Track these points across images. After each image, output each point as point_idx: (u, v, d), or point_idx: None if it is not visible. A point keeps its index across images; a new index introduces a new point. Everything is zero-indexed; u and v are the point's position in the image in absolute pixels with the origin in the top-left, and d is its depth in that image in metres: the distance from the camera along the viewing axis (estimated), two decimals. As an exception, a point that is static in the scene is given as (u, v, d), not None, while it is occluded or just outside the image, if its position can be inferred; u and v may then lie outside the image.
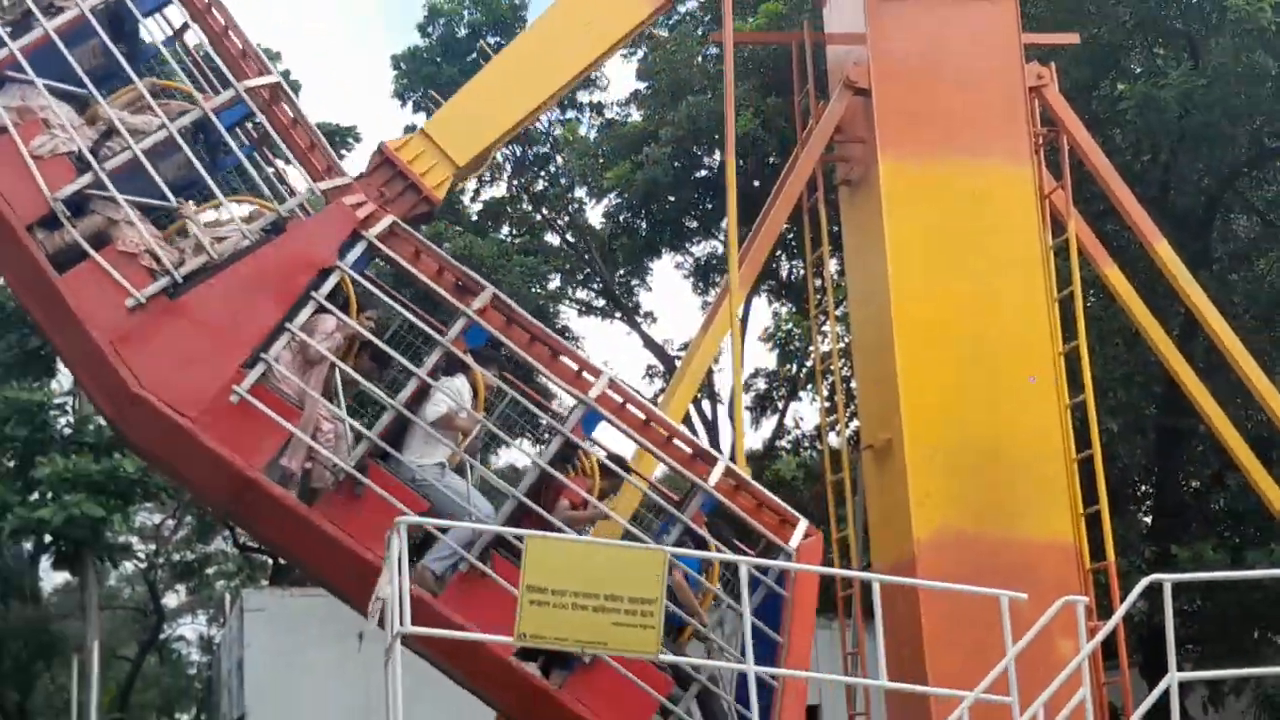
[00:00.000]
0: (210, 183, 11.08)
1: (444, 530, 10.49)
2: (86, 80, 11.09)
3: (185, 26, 12.08)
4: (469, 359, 11.15)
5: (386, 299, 11.37)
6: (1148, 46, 25.64)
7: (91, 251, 10.46)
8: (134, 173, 10.83)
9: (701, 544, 11.17)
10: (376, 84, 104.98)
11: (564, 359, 11.49)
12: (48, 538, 29.58)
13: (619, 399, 11.50)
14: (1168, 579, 9.87)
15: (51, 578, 45.40)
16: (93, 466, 27.63)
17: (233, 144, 11.49)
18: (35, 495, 27.52)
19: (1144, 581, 10.17)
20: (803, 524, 11.47)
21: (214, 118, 11.23)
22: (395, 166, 12.28)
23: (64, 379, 32.11)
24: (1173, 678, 9.61)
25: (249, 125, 12.21)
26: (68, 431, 28.96)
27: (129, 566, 49.90)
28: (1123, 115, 23.91)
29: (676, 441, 11.75)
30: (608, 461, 11.61)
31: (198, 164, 10.92)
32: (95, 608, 31.34)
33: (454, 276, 11.58)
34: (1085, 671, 10.42)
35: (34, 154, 10.60)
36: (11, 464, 28.73)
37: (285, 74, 30.21)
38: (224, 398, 10.28)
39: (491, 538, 10.53)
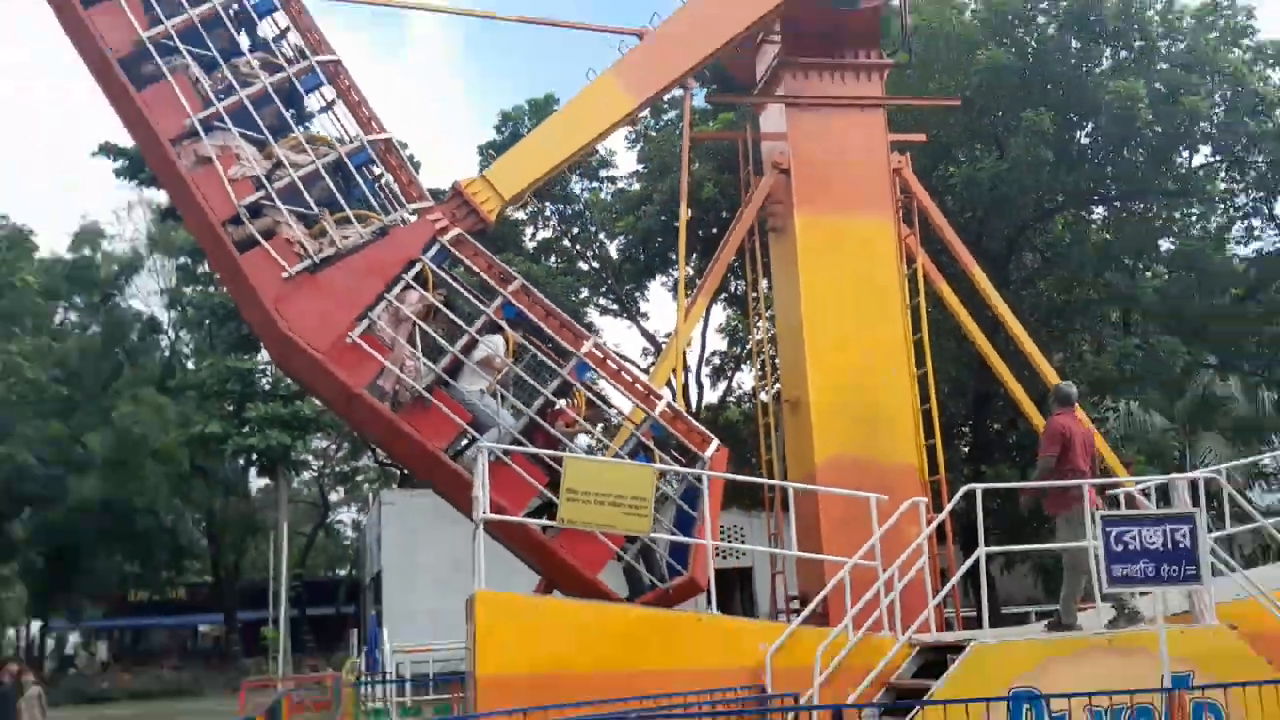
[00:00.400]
0: (342, 201, 11.49)
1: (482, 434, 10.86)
2: (265, 131, 11.56)
3: (333, 101, 12.41)
4: (503, 324, 11.47)
5: (452, 282, 11.67)
6: (970, 144, 25.68)
7: (261, 240, 10.93)
8: (293, 192, 11.34)
9: (650, 453, 11.40)
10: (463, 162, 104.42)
11: (565, 328, 11.70)
12: (254, 457, 29.79)
13: (600, 355, 11.75)
14: (979, 487, 9.98)
15: (256, 482, 45.71)
16: (282, 410, 27.86)
17: (358, 177, 11.94)
18: (246, 429, 27.74)
19: (963, 489, 10.31)
20: (714, 442, 11.69)
21: (347, 160, 11.75)
22: (463, 197, 12.64)
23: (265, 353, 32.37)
24: (981, 550, 9.74)
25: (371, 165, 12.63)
26: (267, 387, 29.13)
27: (307, 475, 50.43)
28: (953, 188, 24.03)
29: (637, 385, 11.96)
30: (591, 396, 11.89)
31: (334, 189, 11.41)
32: (284, 502, 31.58)
33: (497, 270, 11.96)
34: (924, 547, 10.59)
35: (229, 177, 11.15)
36: (230, 408, 28.94)
37: (404, 146, 30.27)
38: (343, 339, 10.73)
39: (510, 439, 10.92)
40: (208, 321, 32.30)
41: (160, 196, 35.45)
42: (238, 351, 30.78)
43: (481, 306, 11.73)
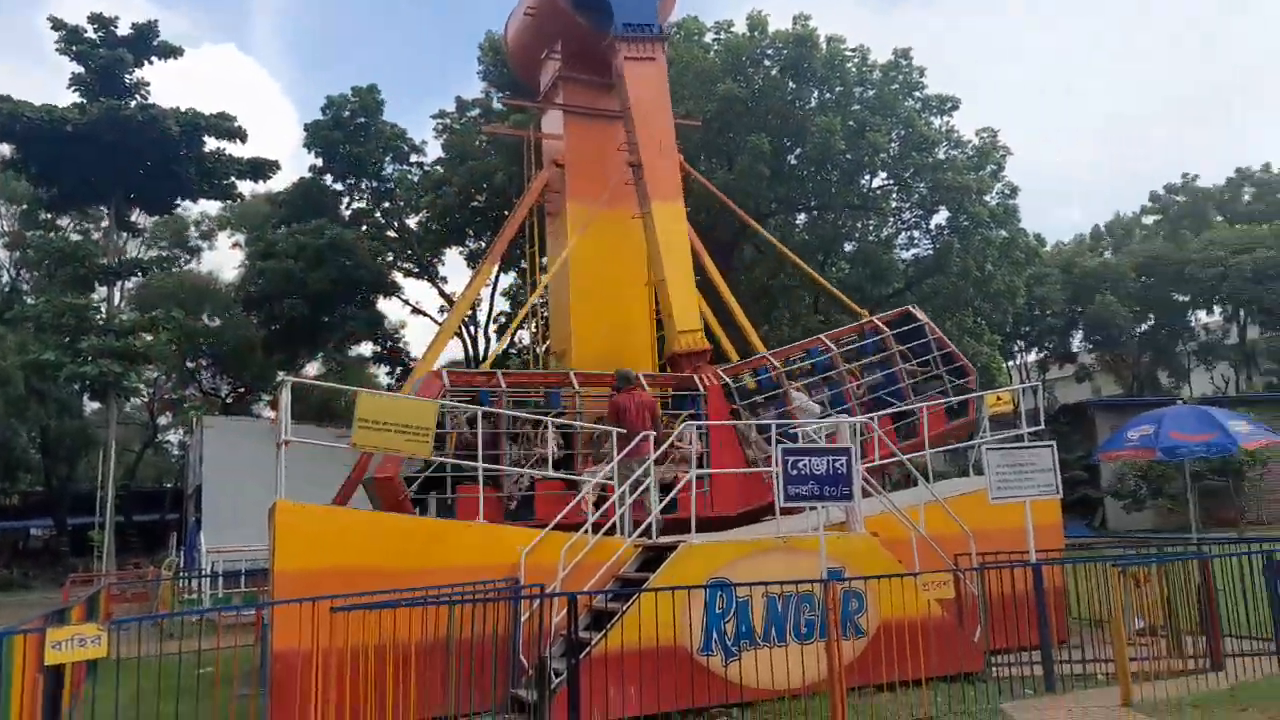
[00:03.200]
0: None
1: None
2: None
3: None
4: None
5: None
6: (708, 158, 26.14)
7: None
8: None
9: None
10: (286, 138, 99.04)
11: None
12: (87, 384, 27.55)
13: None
14: (693, 425, 10.21)
15: (90, 404, 42.52)
16: (115, 343, 25.83)
17: None
18: (80, 359, 25.60)
19: (680, 428, 10.61)
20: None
21: None
22: (694, 353, 13.54)
23: (101, 291, 29.85)
24: (692, 473, 10.01)
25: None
26: (101, 322, 26.92)
27: (137, 401, 47.28)
28: (693, 191, 24.41)
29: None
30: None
31: None
32: (114, 424, 29.35)
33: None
34: (652, 470, 10.86)
35: None
36: (66, 339, 26.61)
37: (239, 128, 28.42)
38: None
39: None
40: (47, 263, 29.42)
41: (2, 149, 31.97)
42: (74, 290, 28.34)
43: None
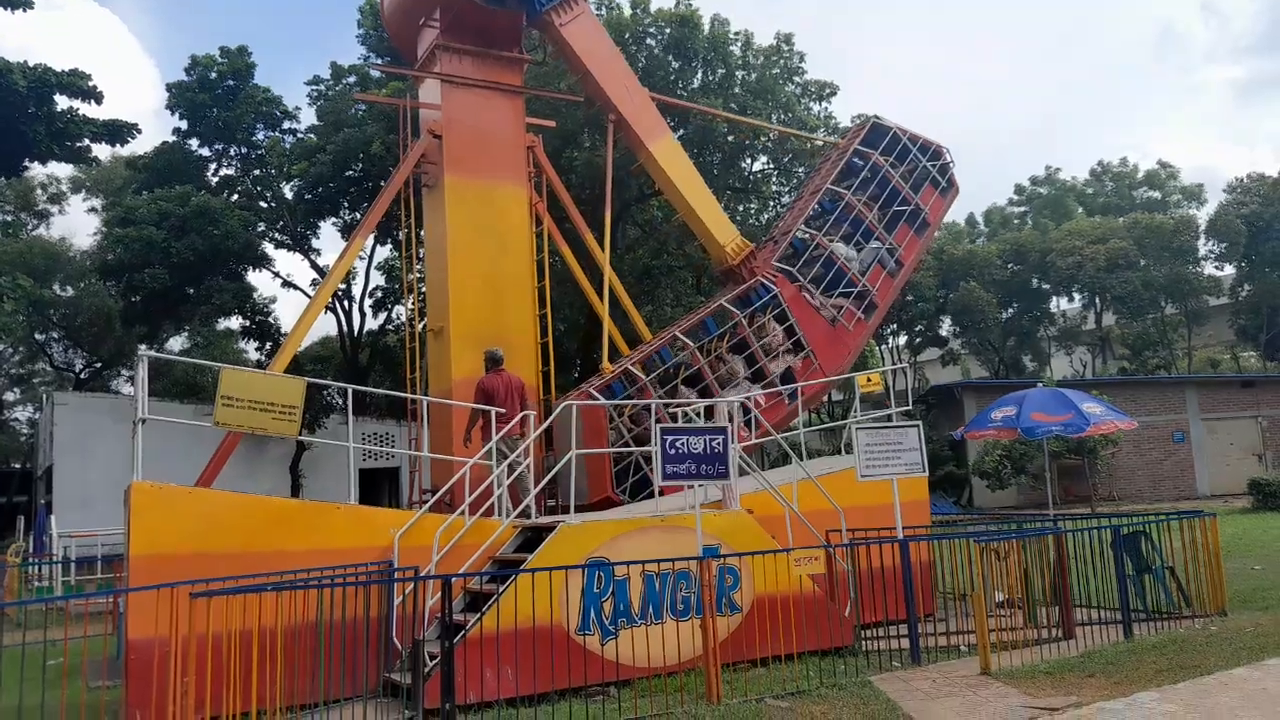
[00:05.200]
0: None
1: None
2: None
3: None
4: None
5: None
6: (591, 135, 26.04)
7: None
8: None
9: None
10: (146, 98, 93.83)
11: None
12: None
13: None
14: (574, 404, 10.22)
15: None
16: (-44, 315, 24.11)
17: None
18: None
19: (559, 406, 10.60)
20: None
21: None
22: (743, 260, 15.45)
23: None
24: (573, 453, 10.03)
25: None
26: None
27: (-20, 376, 44.47)
28: (576, 168, 24.39)
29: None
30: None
31: None
32: (-45, 400, 27.45)
33: None
34: (532, 450, 10.81)
35: None
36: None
37: (94, 88, 26.84)
38: None
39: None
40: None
41: None
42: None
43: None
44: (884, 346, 42.76)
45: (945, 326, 44.10)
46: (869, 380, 13.65)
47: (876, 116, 18.05)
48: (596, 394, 13.28)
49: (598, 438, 12.48)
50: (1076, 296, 43.87)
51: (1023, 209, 54.33)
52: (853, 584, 10.20)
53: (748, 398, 12.54)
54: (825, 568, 9.86)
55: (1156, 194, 52.18)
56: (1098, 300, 42.43)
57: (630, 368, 13.75)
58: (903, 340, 44.44)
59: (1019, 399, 15.92)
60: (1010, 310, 43.30)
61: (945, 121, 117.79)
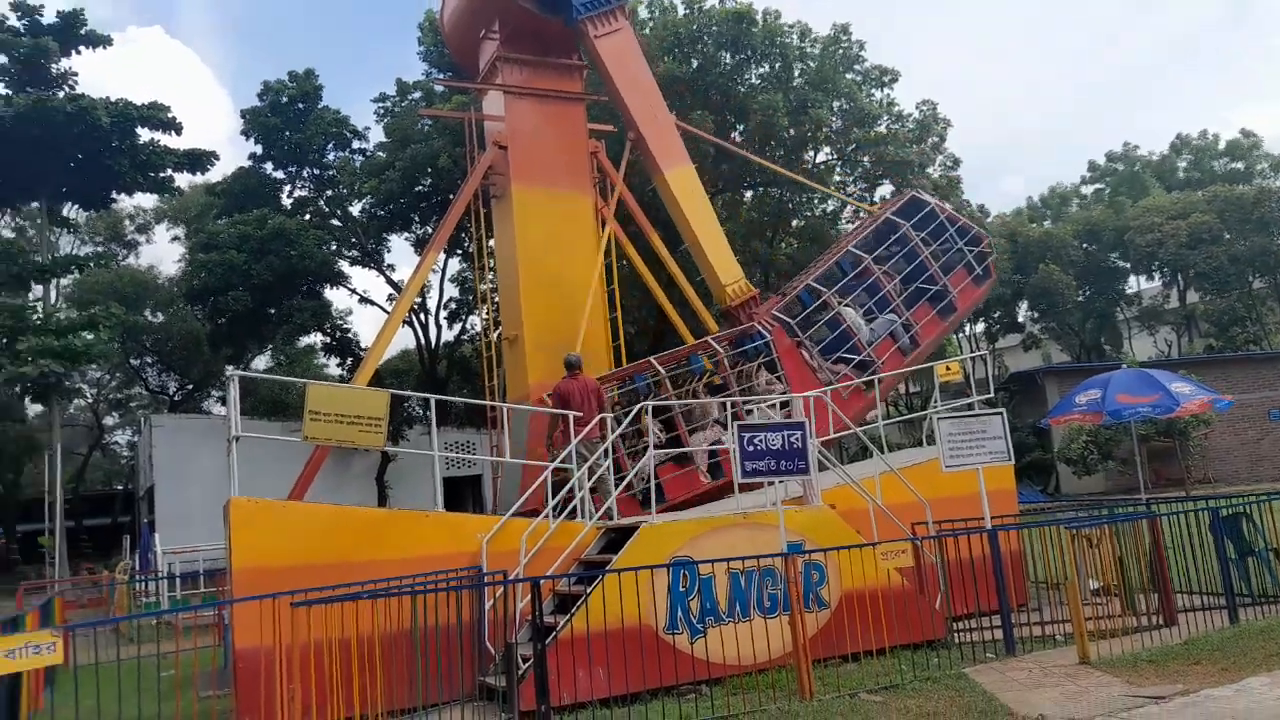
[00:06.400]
0: None
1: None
2: None
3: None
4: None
5: None
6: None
7: None
8: None
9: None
10: (221, 125, 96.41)
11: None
12: (28, 385, 26.86)
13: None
14: (648, 404, 10.22)
15: (33, 408, 41.55)
16: (54, 343, 25.20)
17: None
18: (18, 360, 24.92)
19: (635, 409, 10.66)
20: None
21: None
22: (740, 303, 14.67)
23: (37, 290, 29.15)
24: (650, 454, 10.05)
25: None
26: (39, 322, 26.21)
27: (81, 403, 46.30)
28: (638, 171, 24.29)
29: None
30: None
31: None
32: (58, 425, 28.70)
33: None
34: (610, 451, 10.88)
35: None
36: (4, 341, 25.88)
37: (173, 119, 27.81)
38: None
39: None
40: (-21, 264, 28.59)
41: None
42: (8, 290, 27.56)
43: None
44: (961, 335, 42.00)
45: (1023, 311, 43.15)
46: (947, 369, 13.42)
47: (916, 191, 16.78)
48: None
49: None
50: (1157, 275, 42.58)
51: (1097, 186, 52.81)
52: (942, 576, 10.05)
53: (824, 391, 12.40)
54: (913, 560, 9.72)
55: (1240, 165, 50.29)
56: (1179, 278, 41.09)
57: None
58: (980, 328, 43.64)
59: (1103, 382, 15.53)
60: (1086, 292, 42.21)
61: (1003, 105, 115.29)
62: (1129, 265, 42.28)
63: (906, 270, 15.22)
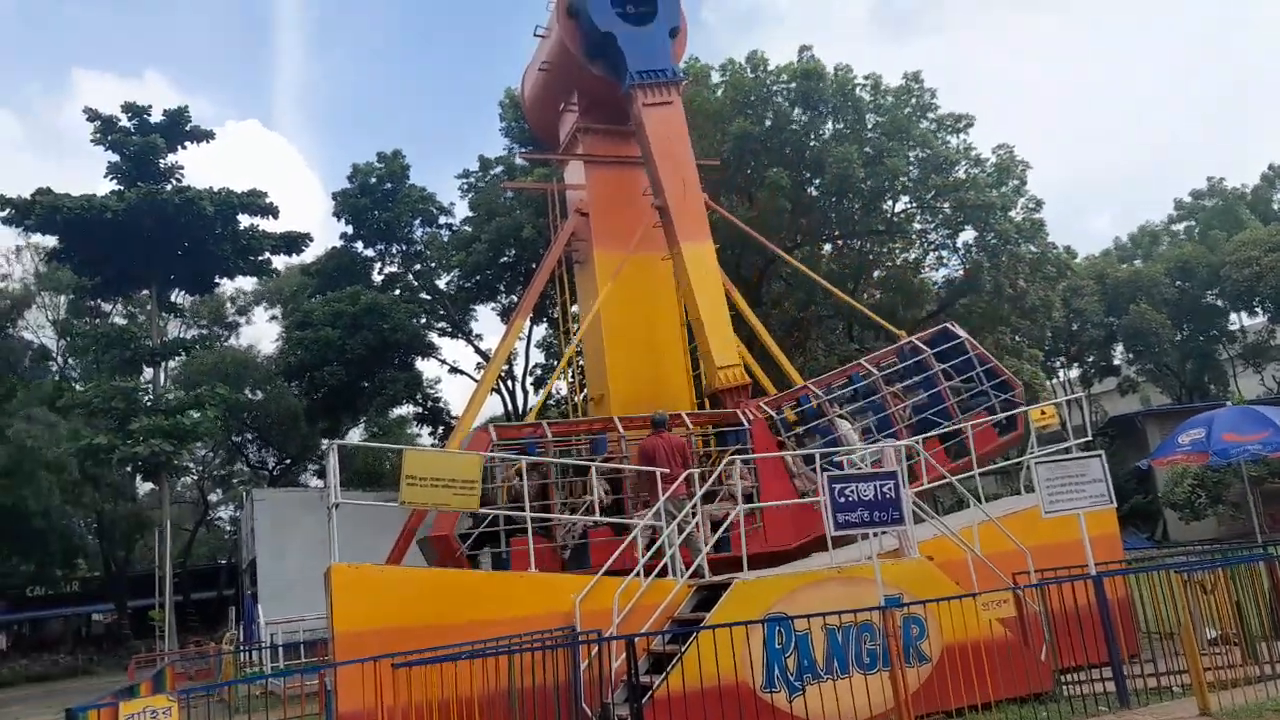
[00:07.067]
0: None
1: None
2: None
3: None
4: None
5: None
6: (728, 196, 26.13)
7: None
8: None
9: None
10: (314, 208, 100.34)
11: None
12: (139, 465, 28.05)
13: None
14: (737, 459, 10.14)
15: (143, 486, 43.29)
16: (164, 423, 26.30)
17: None
18: (131, 440, 26.07)
19: (724, 462, 10.55)
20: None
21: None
22: (732, 389, 13.66)
23: (148, 373, 30.56)
24: (740, 508, 9.96)
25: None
26: (149, 404, 27.46)
27: (188, 479, 48.00)
28: (715, 229, 24.39)
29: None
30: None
31: None
32: (167, 503, 29.79)
33: None
34: (699, 508, 10.81)
35: None
36: (116, 423, 27.13)
37: (271, 204, 29.11)
38: None
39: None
40: (94, 349, 30.17)
41: (46, 240, 32.97)
42: (121, 373, 28.98)
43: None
44: (1054, 380, 40.82)
45: (1118, 354, 41.81)
46: (1042, 413, 13.05)
47: (950, 323, 15.77)
48: None
49: None
50: (1259, 310, 40.87)
51: (1187, 223, 51.20)
52: (1046, 626, 9.68)
53: (917, 440, 12.18)
54: (1015, 611, 9.41)
55: (1338, 192, 48.28)
56: (1283, 311, 39.41)
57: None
58: (1075, 373, 42.39)
59: (1207, 420, 14.95)
60: (1183, 331, 40.72)
61: (1084, 146, 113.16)
62: (1224, 303, 40.72)
63: (921, 398, 14.16)
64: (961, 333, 15.02)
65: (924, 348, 14.54)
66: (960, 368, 14.55)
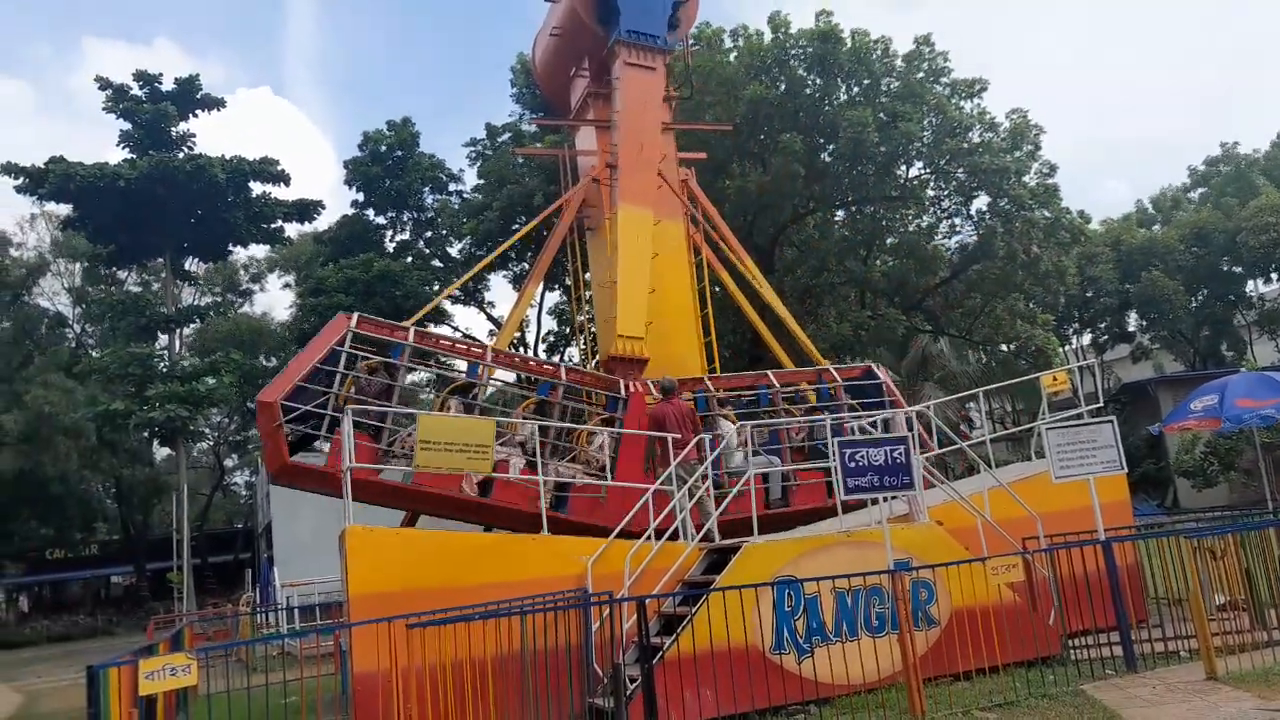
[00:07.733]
0: None
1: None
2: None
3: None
4: None
5: None
6: (741, 162, 26.15)
7: None
8: None
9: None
10: (326, 176, 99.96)
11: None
12: (156, 430, 28.28)
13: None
14: (748, 425, 10.11)
15: (160, 451, 43.66)
16: (179, 389, 26.50)
17: None
18: (147, 406, 26.27)
19: (734, 428, 10.57)
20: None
21: None
22: (628, 360, 13.07)
23: (163, 340, 30.71)
24: (751, 472, 10.02)
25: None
26: (165, 370, 27.64)
27: (204, 445, 48.41)
28: (728, 196, 24.48)
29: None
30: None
31: None
32: (184, 467, 30.08)
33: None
34: (709, 473, 10.85)
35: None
36: (133, 389, 27.34)
37: (283, 172, 29.07)
38: None
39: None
40: (109, 315, 30.35)
41: (60, 209, 33.06)
42: (137, 340, 29.16)
43: None
44: (1068, 347, 40.60)
45: (1131, 321, 41.53)
46: (1054, 379, 13.00)
47: (874, 366, 15.28)
48: None
49: None
50: (1275, 277, 40.49)
51: (1201, 190, 50.61)
52: (1055, 591, 9.72)
53: (927, 406, 12.17)
54: (1024, 575, 9.44)
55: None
56: (1300, 277, 39.05)
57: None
58: (1087, 339, 42.16)
59: (1220, 386, 14.85)
60: (1199, 297, 40.38)
61: (1100, 111, 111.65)
62: (1241, 269, 40.35)
63: (817, 428, 13.12)
64: (885, 376, 14.51)
65: (839, 379, 14.07)
66: (872, 407, 13.68)
